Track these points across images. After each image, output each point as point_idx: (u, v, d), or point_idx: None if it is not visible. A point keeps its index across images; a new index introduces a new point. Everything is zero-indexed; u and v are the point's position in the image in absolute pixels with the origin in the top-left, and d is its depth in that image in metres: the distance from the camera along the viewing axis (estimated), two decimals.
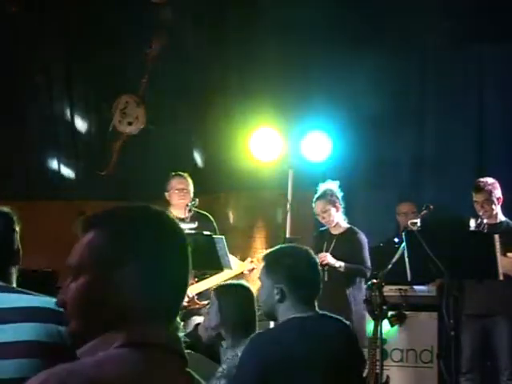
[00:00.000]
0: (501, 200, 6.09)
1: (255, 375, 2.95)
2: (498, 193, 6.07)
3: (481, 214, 5.98)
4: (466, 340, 5.92)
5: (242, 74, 8.60)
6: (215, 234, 6.17)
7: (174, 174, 6.65)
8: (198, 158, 8.80)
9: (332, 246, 6.36)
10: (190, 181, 6.58)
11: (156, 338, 1.51)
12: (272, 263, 3.18)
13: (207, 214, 6.50)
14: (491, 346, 5.98)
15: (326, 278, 6.18)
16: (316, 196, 6.46)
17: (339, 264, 6.24)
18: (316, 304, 3.17)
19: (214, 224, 6.44)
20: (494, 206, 6.03)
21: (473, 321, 5.92)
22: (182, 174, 6.65)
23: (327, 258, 6.22)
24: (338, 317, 3.22)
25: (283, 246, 3.50)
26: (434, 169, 7.99)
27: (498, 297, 5.83)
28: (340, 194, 6.47)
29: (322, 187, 6.51)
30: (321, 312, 3.16)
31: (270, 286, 3.14)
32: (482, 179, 6.10)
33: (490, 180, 6.09)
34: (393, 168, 8.08)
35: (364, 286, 6.31)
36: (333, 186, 6.48)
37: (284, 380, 2.95)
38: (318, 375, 2.98)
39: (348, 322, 3.25)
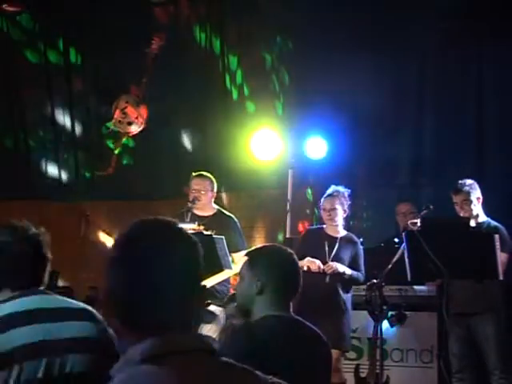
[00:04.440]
0: (480, 200, 6.07)
1: None
2: (477, 193, 6.06)
3: (461, 214, 5.99)
4: (454, 339, 5.92)
5: (241, 75, 8.62)
6: (234, 235, 6.17)
7: (195, 174, 6.62)
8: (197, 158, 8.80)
9: (335, 249, 6.33)
10: (209, 181, 6.50)
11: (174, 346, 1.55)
12: (256, 258, 3.20)
13: (231, 214, 6.49)
14: (479, 345, 5.98)
15: (327, 280, 6.18)
16: (327, 193, 6.46)
17: (346, 271, 6.24)
18: (291, 306, 3.18)
19: (237, 225, 6.41)
20: (473, 206, 6.03)
21: (459, 320, 5.92)
22: (203, 174, 6.59)
23: (337, 267, 6.22)
24: (310, 324, 3.22)
25: (268, 244, 3.55)
26: (434, 169, 7.99)
27: (483, 295, 5.84)
28: (348, 202, 6.46)
29: (333, 188, 6.51)
30: (295, 316, 3.18)
31: (250, 279, 3.14)
32: (460, 181, 6.10)
33: (468, 181, 6.09)
34: (392, 168, 8.09)
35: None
36: (345, 191, 6.48)
37: None
38: (288, 376, 2.98)
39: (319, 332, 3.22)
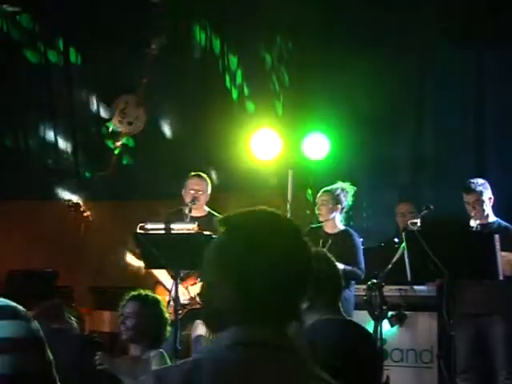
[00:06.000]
0: (492, 200, 6.07)
1: None
2: (488, 193, 6.05)
3: (472, 214, 5.98)
4: (461, 340, 5.91)
5: (241, 75, 8.61)
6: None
7: (192, 174, 6.64)
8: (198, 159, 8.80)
9: (328, 245, 6.30)
10: (207, 182, 6.57)
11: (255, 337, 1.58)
12: None
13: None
14: (487, 345, 5.98)
15: None
16: (325, 188, 6.43)
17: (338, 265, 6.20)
18: None
19: None
20: (485, 207, 6.02)
21: (467, 320, 5.92)
22: (200, 174, 6.63)
23: None
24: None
25: None
26: (434, 169, 7.99)
27: (492, 296, 5.83)
28: (350, 198, 6.42)
29: (339, 184, 6.47)
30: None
31: None
32: (472, 180, 6.09)
33: (480, 180, 6.08)
34: (392, 168, 8.08)
35: (354, 287, 6.31)
36: (350, 189, 6.44)
37: None
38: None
39: None
